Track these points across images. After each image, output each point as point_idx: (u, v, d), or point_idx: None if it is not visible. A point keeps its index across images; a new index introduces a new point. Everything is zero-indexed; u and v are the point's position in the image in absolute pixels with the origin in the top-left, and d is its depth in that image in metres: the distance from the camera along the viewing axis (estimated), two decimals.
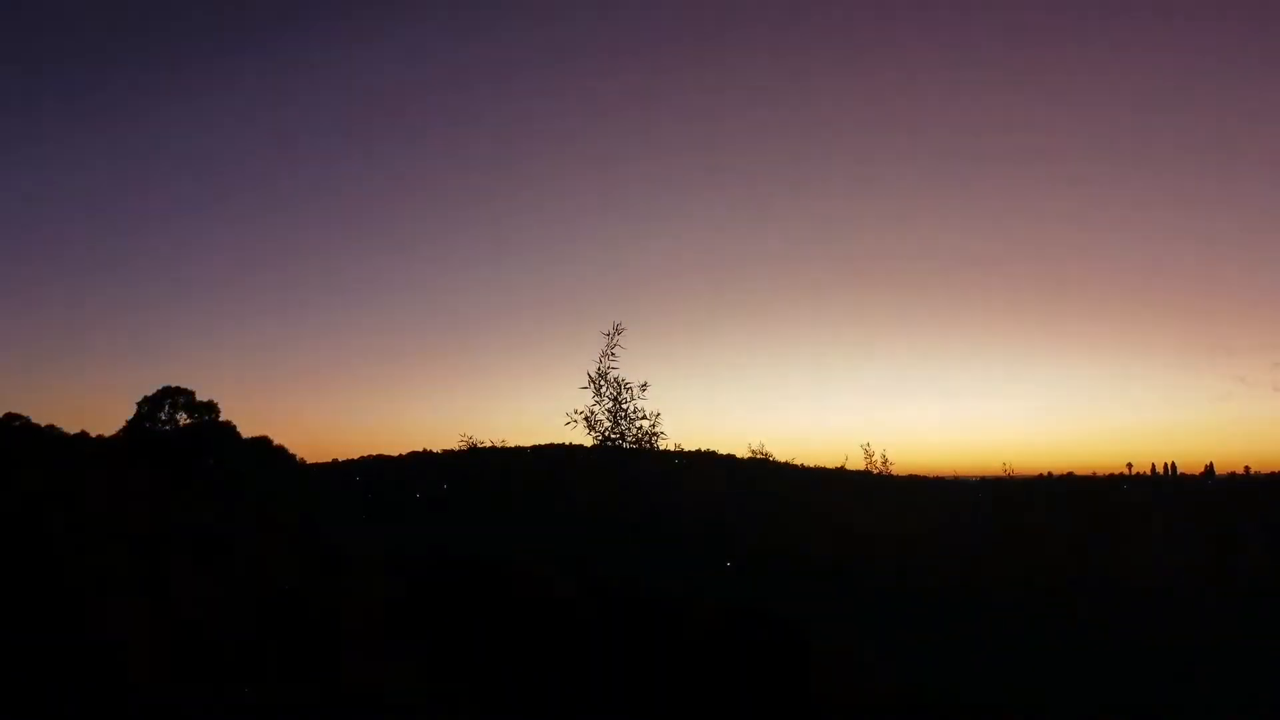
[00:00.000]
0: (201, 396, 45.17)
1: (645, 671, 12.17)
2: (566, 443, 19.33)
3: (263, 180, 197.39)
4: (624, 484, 15.13)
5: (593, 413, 15.20)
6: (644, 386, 15.28)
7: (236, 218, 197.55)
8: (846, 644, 13.68)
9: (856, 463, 18.37)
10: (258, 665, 11.73)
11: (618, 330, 15.21)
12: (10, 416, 45.13)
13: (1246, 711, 14.75)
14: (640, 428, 15.21)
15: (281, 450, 48.65)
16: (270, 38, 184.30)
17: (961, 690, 13.46)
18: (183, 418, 44.29)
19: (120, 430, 44.19)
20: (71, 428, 48.15)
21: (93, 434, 47.92)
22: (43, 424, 46.13)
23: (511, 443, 19.15)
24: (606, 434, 15.20)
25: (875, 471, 18.54)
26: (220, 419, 45.35)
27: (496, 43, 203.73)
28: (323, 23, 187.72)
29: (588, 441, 15.47)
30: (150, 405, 44.04)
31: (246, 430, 47.14)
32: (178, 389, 44.47)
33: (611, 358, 15.23)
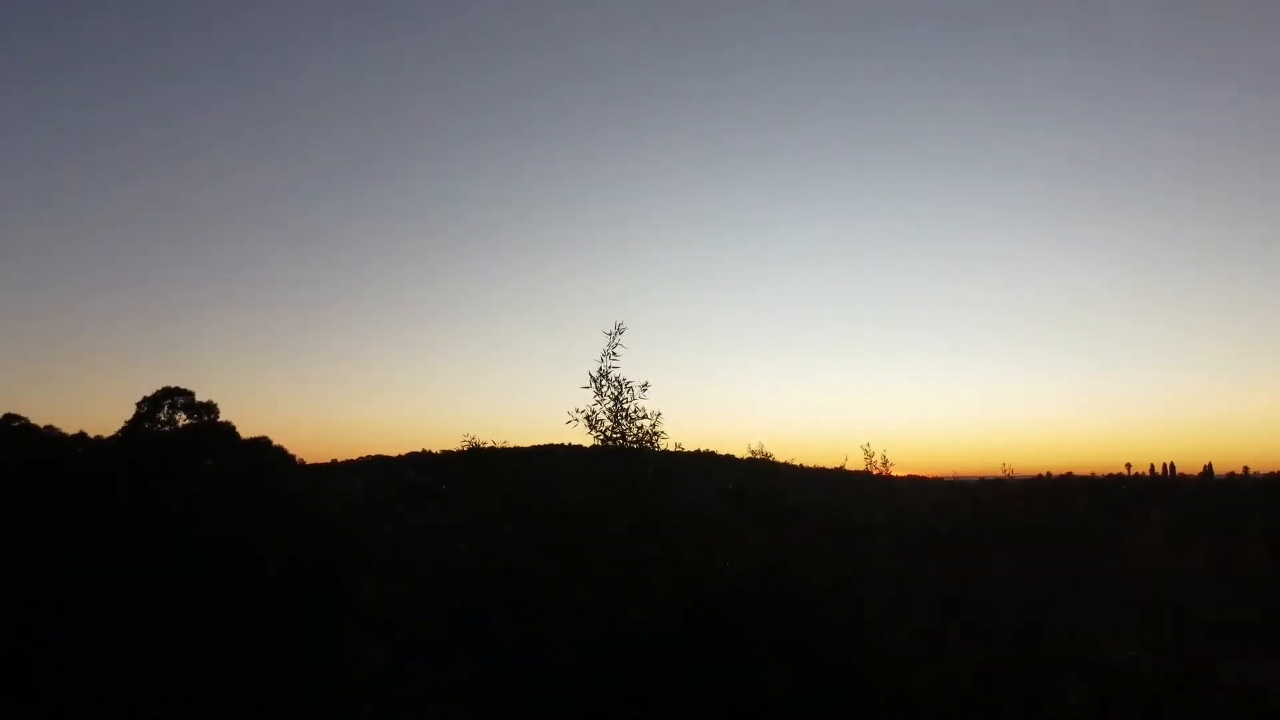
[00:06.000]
0: (201, 397, 45.06)
1: None
2: (567, 443, 19.30)
3: (263, 179, 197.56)
4: (624, 485, 15.11)
5: (594, 413, 15.19)
6: (645, 386, 15.27)
7: (236, 217, 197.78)
8: None
9: (857, 463, 18.26)
10: None
11: (619, 330, 15.20)
12: (10, 417, 45.04)
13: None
14: (641, 428, 15.21)
15: (281, 450, 48.52)
16: (271, 38, 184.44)
17: None
18: (182, 418, 44.16)
19: (119, 430, 44.08)
20: (70, 428, 48.09)
21: (91, 434, 47.88)
22: (41, 424, 46.09)
23: (512, 443, 19.10)
24: (607, 434, 15.19)
25: (875, 473, 18.46)
26: (219, 419, 45.24)
27: (497, 42, 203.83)
28: (324, 22, 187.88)
29: (588, 441, 15.47)
30: (150, 405, 43.88)
31: (246, 431, 47.03)
32: (177, 389, 44.30)
33: (613, 357, 15.22)
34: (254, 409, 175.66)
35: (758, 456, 18.18)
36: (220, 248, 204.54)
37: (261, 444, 46.49)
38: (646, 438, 15.24)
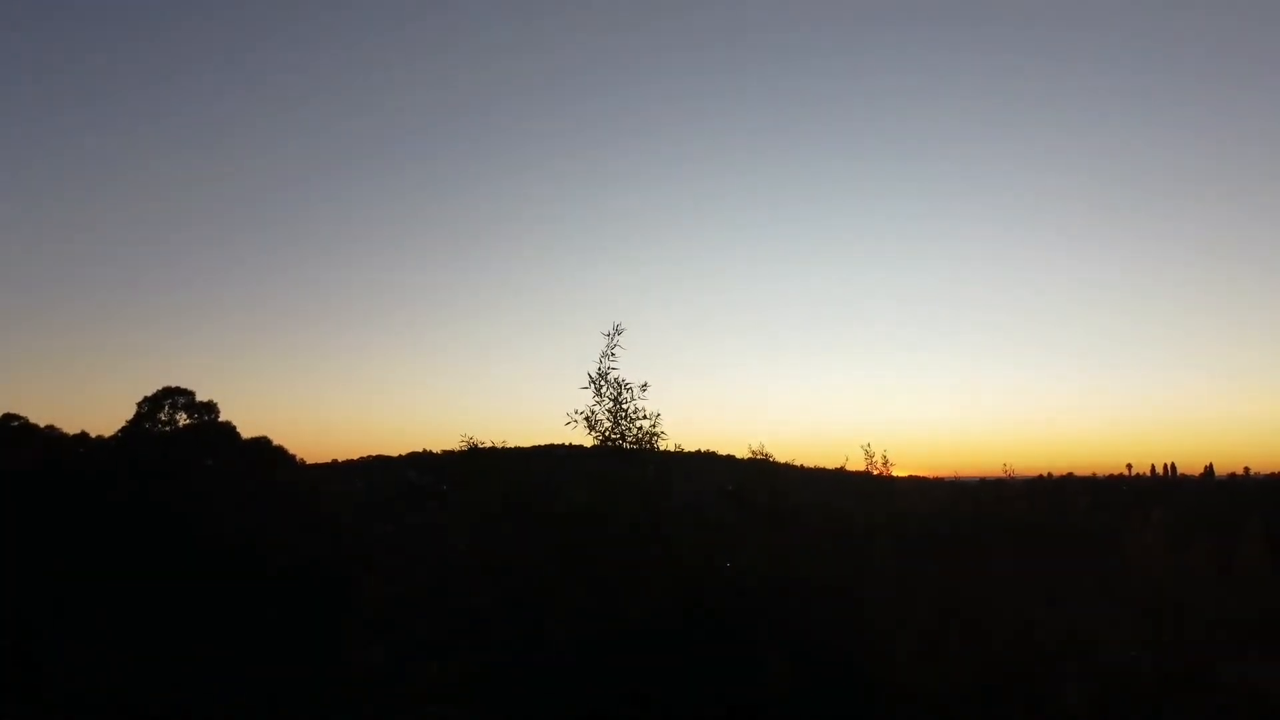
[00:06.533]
0: (201, 397, 45.03)
1: None
2: (567, 443, 19.31)
3: (263, 180, 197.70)
4: (624, 485, 15.10)
5: (593, 413, 15.20)
6: (644, 387, 15.28)
7: (237, 218, 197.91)
8: None
9: (857, 463, 18.24)
10: None
11: (618, 330, 15.21)
12: (10, 417, 45.01)
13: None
14: (640, 428, 15.22)
15: (281, 450, 48.49)
16: (271, 39, 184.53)
17: None
18: (182, 418, 44.14)
19: (120, 430, 44.08)
20: (71, 428, 48.06)
21: (92, 434, 47.86)
22: (42, 424, 46.05)
23: (511, 443, 19.10)
24: (607, 434, 15.19)
25: (875, 473, 18.44)
26: (220, 419, 45.22)
27: (495, 41, 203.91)
28: (324, 24, 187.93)
29: (588, 442, 15.47)
30: (150, 405, 43.88)
31: (246, 431, 47.00)
32: (178, 389, 44.29)
33: (611, 358, 15.22)
34: (254, 409, 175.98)
35: (758, 457, 18.18)
36: (221, 248, 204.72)
37: (262, 444, 46.46)
38: (646, 438, 15.26)
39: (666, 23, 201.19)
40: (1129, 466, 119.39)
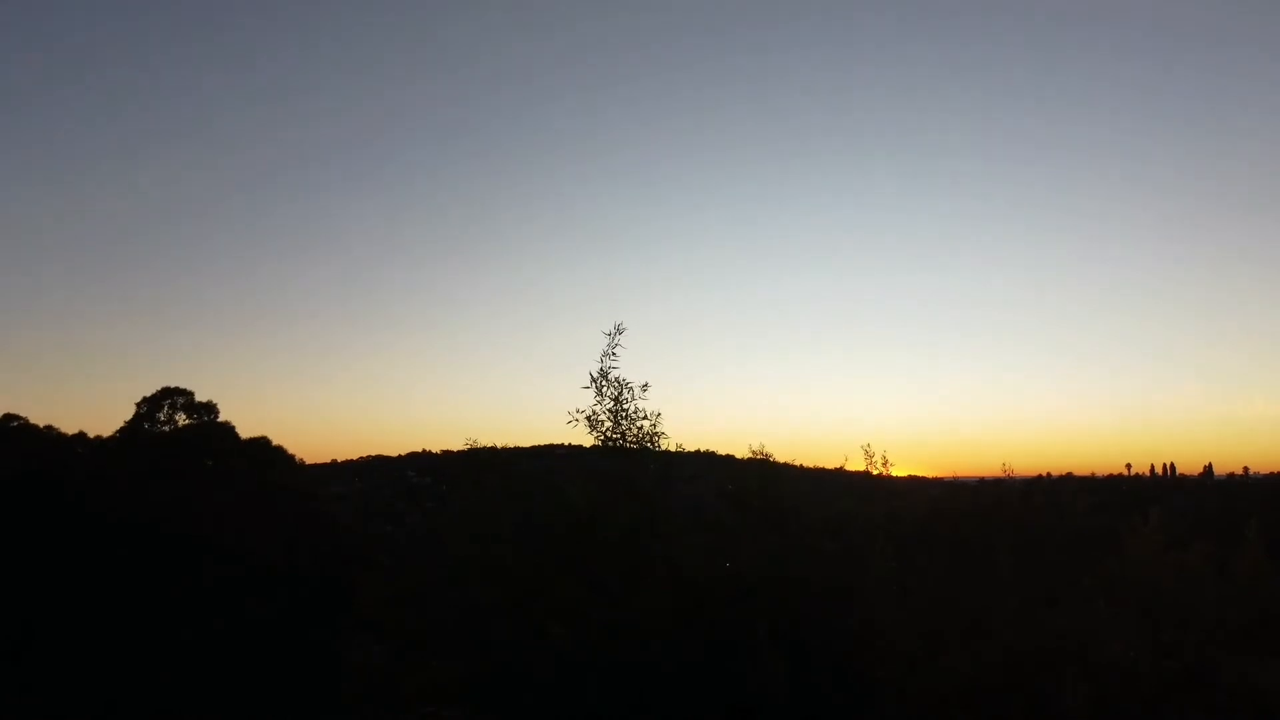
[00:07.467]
0: (201, 397, 45.07)
1: None
2: (567, 443, 19.33)
3: (263, 179, 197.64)
4: (624, 485, 15.12)
5: (594, 413, 15.22)
6: (645, 387, 15.31)
7: (236, 217, 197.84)
8: None
9: (857, 463, 18.28)
10: None
11: (619, 330, 15.23)
12: (8, 417, 45.01)
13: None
14: (641, 428, 15.24)
15: (281, 450, 48.50)
16: (271, 36, 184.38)
17: None
18: (182, 418, 44.19)
19: (119, 430, 44.10)
20: (70, 428, 48.10)
21: (91, 434, 47.88)
22: (41, 424, 46.06)
23: (512, 443, 19.15)
24: (608, 434, 15.22)
25: (875, 473, 18.46)
26: (219, 419, 45.24)
27: (495, 39, 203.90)
28: (322, 17, 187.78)
29: (588, 442, 15.50)
30: (149, 406, 43.93)
31: (246, 431, 47.02)
32: (177, 389, 44.33)
33: (612, 357, 15.24)
34: (254, 409, 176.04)
35: (757, 456, 18.20)
36: (220, 247, 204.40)
37: (261, 444, 46.52)
38: (647, 438, 15.29)
39: (667, 18, 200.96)
40: (1128, 466, 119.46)
